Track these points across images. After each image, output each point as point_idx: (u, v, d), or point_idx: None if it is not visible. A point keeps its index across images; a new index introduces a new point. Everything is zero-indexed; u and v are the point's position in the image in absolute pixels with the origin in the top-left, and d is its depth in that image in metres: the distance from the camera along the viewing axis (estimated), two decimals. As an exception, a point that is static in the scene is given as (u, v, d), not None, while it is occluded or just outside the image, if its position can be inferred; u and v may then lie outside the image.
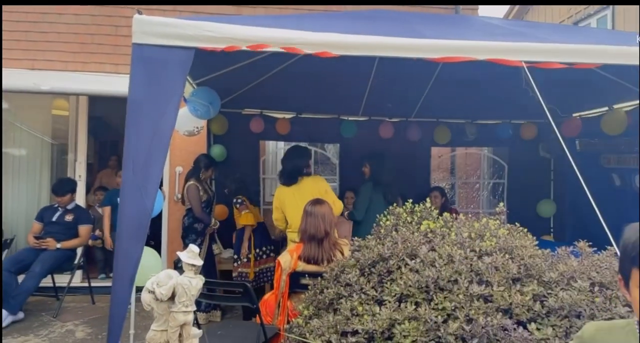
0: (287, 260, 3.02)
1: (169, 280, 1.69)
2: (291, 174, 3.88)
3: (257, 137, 5.31)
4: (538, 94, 2.62)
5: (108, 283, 3.92)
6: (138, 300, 2.05)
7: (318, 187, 3.84)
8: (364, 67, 4.15)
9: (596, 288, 1.94)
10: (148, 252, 2.71)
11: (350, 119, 5.46)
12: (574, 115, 5.33)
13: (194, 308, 1.71)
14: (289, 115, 5.32)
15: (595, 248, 2.26)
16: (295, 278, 2.99)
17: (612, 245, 2.36)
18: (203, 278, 1.79)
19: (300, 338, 2.19)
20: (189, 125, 4.28)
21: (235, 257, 4.59)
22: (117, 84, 4.59)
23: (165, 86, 2.20)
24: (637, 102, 4.45)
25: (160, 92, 2.18)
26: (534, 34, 3.21)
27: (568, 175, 5.13)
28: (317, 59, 2.39)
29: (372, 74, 4.41)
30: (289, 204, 3.82)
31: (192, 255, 1.73)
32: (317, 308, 2.41)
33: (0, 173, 5.76)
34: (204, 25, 2.30)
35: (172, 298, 1.70)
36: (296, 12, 5.79)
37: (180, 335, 1.70)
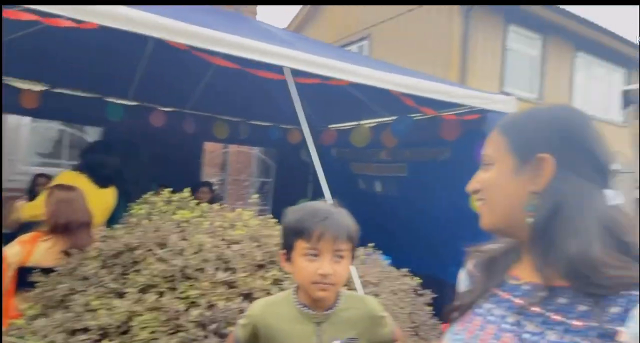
0: (16, 252, 2.56)
1: None
2: (108, 177, 3.39)
3: (-8, 108, 4.37)
4: (295, 102, 2.89)
5: None
6: None
7: (110, 201, 3.45)
8: (134, 46, 3.85)
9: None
10: None
11: (117, 101, 4.99)
12: (330, 126, 6.07)
13: None
14: (38, 87, 4.54)
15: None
16: (24, 274, 2.55)
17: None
18: None
19: (17, 341, 1.87)
20: None
21: None
22: None
23: None
24: (383, 119, 5.33)
25: None
26: (304, 46, 3.53)
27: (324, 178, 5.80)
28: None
29: (146, 57, 4.14)
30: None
31: None
32: (45, 306, 2.11)
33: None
34: None
35: None
36: None
37: None
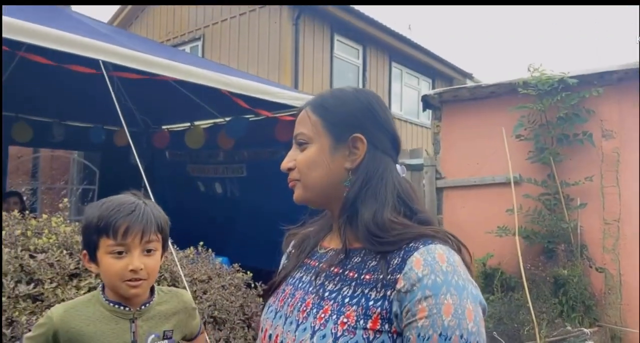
0: None
1: None
2: None
3: None
4: (115, 99, 2.71)
5: None
6: None
7: None
8: None
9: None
10: None
11: None
12: (164, 127, 5.80)
13: None
14: None
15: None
16: None
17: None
18: None
19: None
20: None
21: None
22: None
23: None
24: (217, 119, 5.27)
25: None
26: (124, 42, 3.31)
27: (157, 183, 5.52)
28: None
29: None
30: None
31: None
32: None
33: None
34: None
35: None
36: None
37: None
